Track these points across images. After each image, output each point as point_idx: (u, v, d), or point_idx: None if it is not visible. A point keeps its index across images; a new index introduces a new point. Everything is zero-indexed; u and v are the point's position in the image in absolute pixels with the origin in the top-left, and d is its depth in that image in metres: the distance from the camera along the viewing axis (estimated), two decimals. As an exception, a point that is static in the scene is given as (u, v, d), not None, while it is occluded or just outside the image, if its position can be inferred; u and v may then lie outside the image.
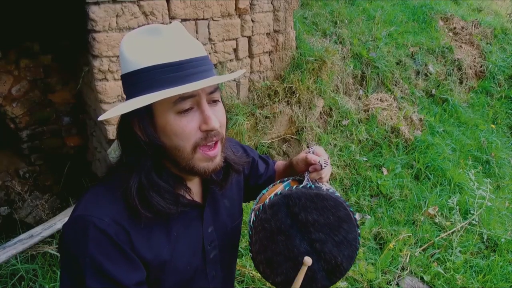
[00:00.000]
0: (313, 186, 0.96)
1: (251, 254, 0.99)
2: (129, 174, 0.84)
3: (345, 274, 0.99)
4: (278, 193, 0.95)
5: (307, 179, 0.99)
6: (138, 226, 0.84)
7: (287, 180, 1.06)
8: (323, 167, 0.98)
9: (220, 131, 0.86)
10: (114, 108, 0.84)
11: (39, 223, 2.55)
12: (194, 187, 0.98)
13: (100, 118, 0.84)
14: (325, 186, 1.00)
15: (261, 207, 0.95)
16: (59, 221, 2.34)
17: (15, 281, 2.27)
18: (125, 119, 0.86)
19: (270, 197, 0.95)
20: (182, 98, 0.80)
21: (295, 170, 1.09)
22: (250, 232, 0.97)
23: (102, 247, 0.79)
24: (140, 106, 0.78)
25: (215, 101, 0.86)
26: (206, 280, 1.01)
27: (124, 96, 0.88)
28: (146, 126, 0.83)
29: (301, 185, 0.96)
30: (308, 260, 0.93)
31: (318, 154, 1.03)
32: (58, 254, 2.35)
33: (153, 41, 0.81)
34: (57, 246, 2.42)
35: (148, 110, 0.82)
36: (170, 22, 2.59)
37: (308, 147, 1.10)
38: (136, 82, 0.81)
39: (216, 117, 0.85)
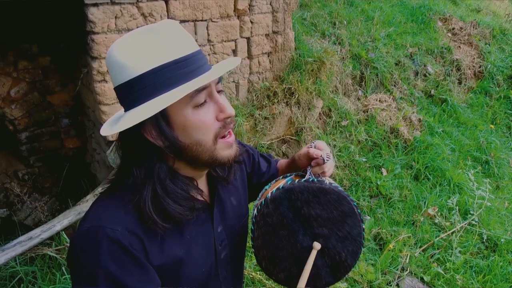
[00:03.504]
0: (316, 180, 0.95)
1: (253, 250, 0.98)
2: (140, 184, 0.81)
3: (349, 271, 0.98)
4: (280, 187, 0.94)
5: (309, 172, 0.98)
6: (152, 233, 0.82)
7: (289, 176, 1.05)
8: (325, 160, 0.98)
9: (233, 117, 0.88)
10: (132, 116, 0.78)
11: (38, 225, 2.55)
12: (202, 186, 0.97)
13: (104, 133, 0.81)
14: (328, 180, 0.99)
15: (263, 201, 0.95)
16: (58, 223, 2.34)
17: (14, 283, 2.27)
18: (134, 129, 0.80)
19: (272, 191, 0.94)
20: (198, 91, 0.79)
21: (297, 166, 1.09)
22: (253, 227, 0.96)
23: (116, 257, 0.76)
24: (165, 107, 0.76)
25: (219, 92, 0.87)
26: (218, 281, 1.00)
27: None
28: (163, 128, 0.80)
29: (304, 179, 0.95)
30: (317, 245, 0.92)
31: (320, 148, 1.02)
32: (57, 257, 2.35)
33: (154, 41, 0.78)
34: (56, 248, 2.41)
35: (163, 112, 0.79)
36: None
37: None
38: (144, 86, 0.78)
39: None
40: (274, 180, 1.06)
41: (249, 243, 1.03)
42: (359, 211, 0.95)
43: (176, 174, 0.86)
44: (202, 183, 0.97)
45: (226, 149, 0.87)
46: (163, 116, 0.80)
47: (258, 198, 1.03)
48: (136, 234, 0.79)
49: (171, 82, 0.78)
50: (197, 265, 0.91)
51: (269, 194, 0.94)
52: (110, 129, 0.82)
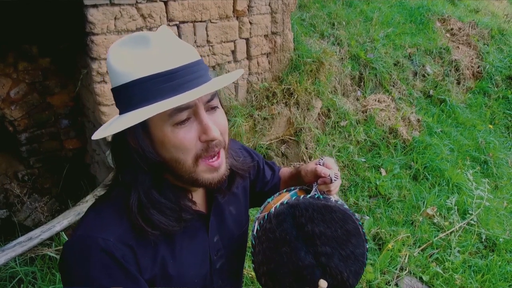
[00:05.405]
0: (321, 197, 0.92)
1: (253, 265, 0.96)
2: (127, 192, 0.80)
3: None
4: (285, 202, 0.91)
5: (315, 189, 0.95)
6: (145, 244, 0.81)
7: (293, 189, 1.02)
8: (333, 180, 0.94)
9: (221, 139, 0.82)
10: (109, 127, 0.79)
11: (38, 225, 2.55)
12: (198, 196, 0.94)
13: (93, 137, 0.80)
14: (334, 198, 0.96)
15: (266, 216, 0.92)
16: (58, 224, 2.34)
17: (14, 284, 2.27)
18: (120, 135, 0.81)
19: (276, 206, 0.92)
20: (178, 109, 0.75)
21: (302, 180, 1.04)
22: (254, 242, 0.93)
23: (106, 269, 0.75)
24: (135, 123, 0.73)
25: (213, 108, 0.81)
26: None
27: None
28: (141, 140, 0.78)
29: (309, 195, 0.93)
30: (323, 284, 0.89)
31: (328, 167, 0.98)
32: (57, 257, 2.35)
33: (143, 51, 0.76)
34: (56, 248, 2.42)
35: (143, 124, 0.77)
36: (168, 25, 2.60)
37: (321, 158, 1.09)
38: (128, 95, 0.77)
39: (216, 125, 0.80)
40: (277, 193, 1.03)
41: (249, 253, 1.02)
42: (363, 230, 0.93)
43: (165, 184, 0.84)
44: (199, 192, 0.95)
45: (209, 172, 0.82)
46: (143, 128, 0.78)
47: (260, 211, 1.00)
48: (129, 245, 0.78)
49: (152, 96, 0.75)
50: (188, 275, 0.90)
51: (273, 209, 0.92)
52: (100, 133, 0.81)
